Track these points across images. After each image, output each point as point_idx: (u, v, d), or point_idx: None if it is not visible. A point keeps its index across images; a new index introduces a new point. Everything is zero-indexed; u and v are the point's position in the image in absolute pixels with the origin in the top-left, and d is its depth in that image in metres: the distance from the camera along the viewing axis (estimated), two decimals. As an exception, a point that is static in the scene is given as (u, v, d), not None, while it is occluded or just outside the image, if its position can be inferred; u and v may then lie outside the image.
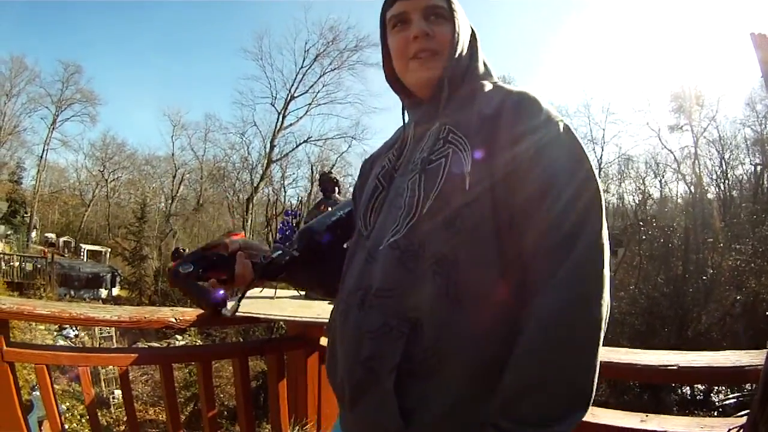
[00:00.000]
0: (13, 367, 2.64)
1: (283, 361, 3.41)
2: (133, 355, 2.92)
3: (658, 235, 30.94)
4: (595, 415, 1.90)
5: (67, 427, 15.50)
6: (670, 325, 25.59)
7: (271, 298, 3.36)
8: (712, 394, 22.50)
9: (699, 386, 21.74)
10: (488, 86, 1.37)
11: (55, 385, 2.95)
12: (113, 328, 20.34)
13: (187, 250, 1.54)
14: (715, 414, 20.41)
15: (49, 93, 51.74)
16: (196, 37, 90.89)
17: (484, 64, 1.45)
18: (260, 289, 3.66)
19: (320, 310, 2.97)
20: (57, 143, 53.94)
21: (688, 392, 22.86)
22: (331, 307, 1.51)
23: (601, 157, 41.75)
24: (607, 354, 1.82)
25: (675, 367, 1.68)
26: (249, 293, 3.49)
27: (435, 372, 1.13)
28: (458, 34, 1.37)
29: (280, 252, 1.56)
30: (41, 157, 52.44)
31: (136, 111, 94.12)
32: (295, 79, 47.28)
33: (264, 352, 3.70)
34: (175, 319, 2.85)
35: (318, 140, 48.52)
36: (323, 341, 3.24)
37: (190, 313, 2.96)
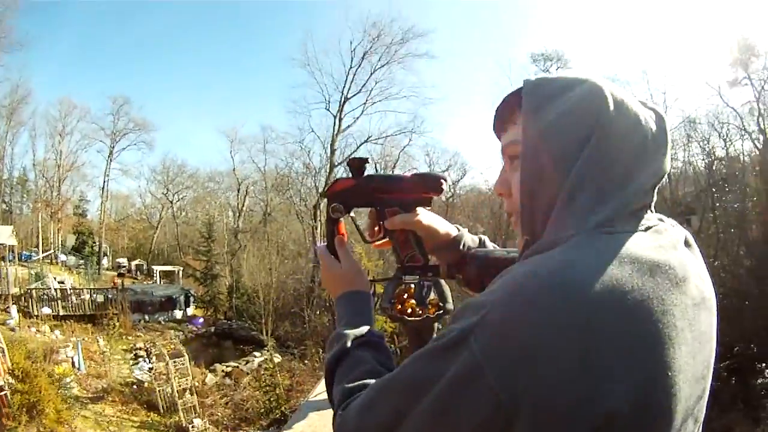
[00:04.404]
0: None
1: None
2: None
3: (732, 199, 29.64)
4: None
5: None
6: (759, 305, 23.72)
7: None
8: None
9: None
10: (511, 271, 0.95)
11: None
12: (186, 359, 20.47)
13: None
14: None
15: (102, 127, 56.21)
16: (241, 55, 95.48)
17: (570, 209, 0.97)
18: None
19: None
20: (117, 173, 57.91)
21: None
22: None
23: (664, 123, 39.76)
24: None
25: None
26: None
27: None
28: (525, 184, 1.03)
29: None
30: (103, 188, 56.07)
31: (192, 133, 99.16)
32: (346, 80, 46.86)
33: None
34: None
35: (378, 138, 47.78)
36: None
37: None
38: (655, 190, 0.99)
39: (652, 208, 0.99)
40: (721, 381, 20.40)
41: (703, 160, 38.27)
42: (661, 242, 0.91)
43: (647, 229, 0.94)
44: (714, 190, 32.17)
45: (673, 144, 39.84)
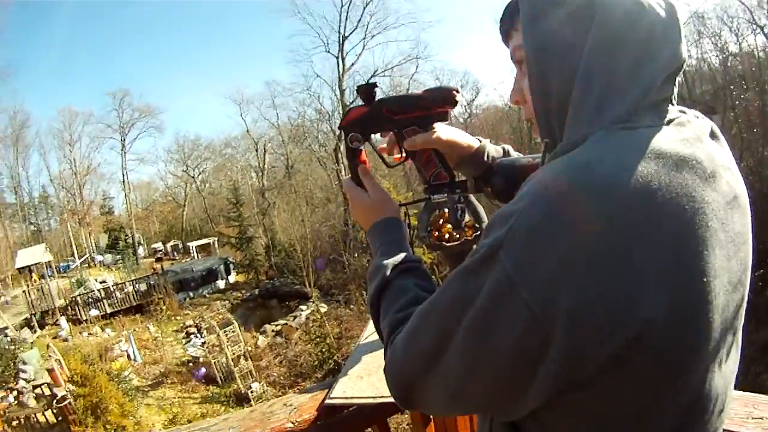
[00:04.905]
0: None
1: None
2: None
3: (752, 97, 28.41)
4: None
5: None
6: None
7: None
8: None
9: None
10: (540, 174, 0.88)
11: None
12: (236, 326, 20.70)
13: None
14: None
15: (108, 124, 57.01)
16: (229, 19, 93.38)
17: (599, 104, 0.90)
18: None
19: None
20: (134, 163, 58.79)
21: None
22: None
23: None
24: None
25: None
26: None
27: None
28: (534, 87, 0.99)
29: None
30: (123, 181, 57.52)
31: (198, 106, 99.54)
32: (340, 19, 45.64)
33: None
34: (292, 423, 2.23)
35: (385, 71, 46.55)
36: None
37: (308, 408, 2.34)
38: (675, 83, 0.93)
39: (674, 101, 0.93)
40: (756, 292, 19.69)
41: (717, 56, 36.61)
42: (686, 135, 0.85)
43: (669, 122, 0.88)
44: (732, 87, 30.74)
45: (685, 39, 37.80)
